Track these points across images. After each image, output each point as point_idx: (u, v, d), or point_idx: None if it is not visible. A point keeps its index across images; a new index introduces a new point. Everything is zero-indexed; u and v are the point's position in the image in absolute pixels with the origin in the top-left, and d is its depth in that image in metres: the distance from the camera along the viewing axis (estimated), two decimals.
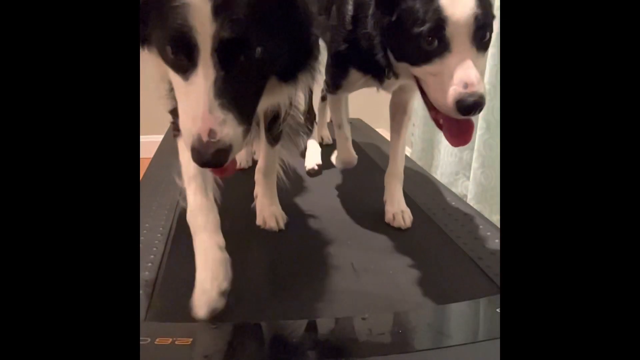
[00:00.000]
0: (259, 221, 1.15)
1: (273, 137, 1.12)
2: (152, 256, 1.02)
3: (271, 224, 1.14)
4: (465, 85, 0.79)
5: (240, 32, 0.63)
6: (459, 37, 0.79)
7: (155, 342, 0.73)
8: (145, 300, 0.86)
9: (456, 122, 0.87)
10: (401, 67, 0.93)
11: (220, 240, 0.85)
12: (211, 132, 0.63)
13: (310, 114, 1.64)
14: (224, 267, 0.83)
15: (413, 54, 0.86)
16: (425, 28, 0.80)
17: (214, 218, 0.87)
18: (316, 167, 1.44)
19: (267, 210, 1.16)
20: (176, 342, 0.73)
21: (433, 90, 0.84)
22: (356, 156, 1.33)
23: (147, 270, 0.96)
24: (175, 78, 0.67)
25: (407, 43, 0.86)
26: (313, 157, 1.47)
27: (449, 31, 0.79)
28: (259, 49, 0.65)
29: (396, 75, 1.01)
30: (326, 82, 1.22)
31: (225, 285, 0.81)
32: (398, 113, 1.24)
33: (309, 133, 1.50)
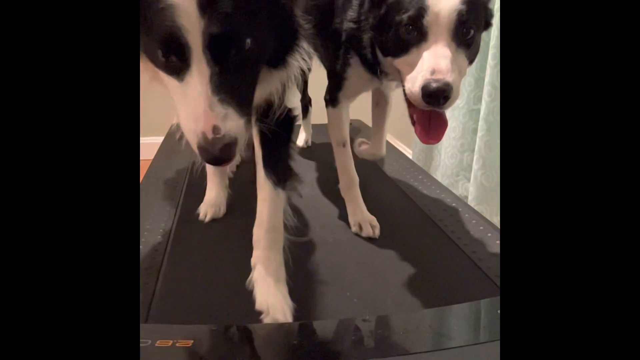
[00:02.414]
0: (259, 305, 0.83)
1: (278, 176, 0.89)
2: (152, 258, 1.02)
3: (278, 315, 0.81)
4: (433, 72, 0.79)
5: (228, 26, 0.63)
6: (437, 28, 0.80)
7: (156, 344, 0.73)
8: (146, 302, 0.86)
9: (428, 117, 0.88)
10: (388, 64, 0.93)
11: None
12: (215, 129, 0.63)
13: (305, 97, 1.81)
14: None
15: (394, 45, 0.87)
16: (405, 15, 0.82)
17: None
18: (305, 146, 1.85)
19: (271, 293, 0.84)
20: (177, 344, 0.73)
21: (407, 81, 0.84)
22: (357, 178, 1.22)
23: (148, 272, 0.96)
24: (170, 81, 0.67)
25: (390, 34, 0.87)
26: (304, 136, 1.87)
27: (428, 21, 0.80)
28: (248, 40, 0.65)
29: (386, 75, 1.01)
30: (327, 91, 1.20)
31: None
32: (382, 100, 1.28)
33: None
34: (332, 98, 1.18)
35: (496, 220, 1.65)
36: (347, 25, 1.05)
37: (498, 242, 1.11)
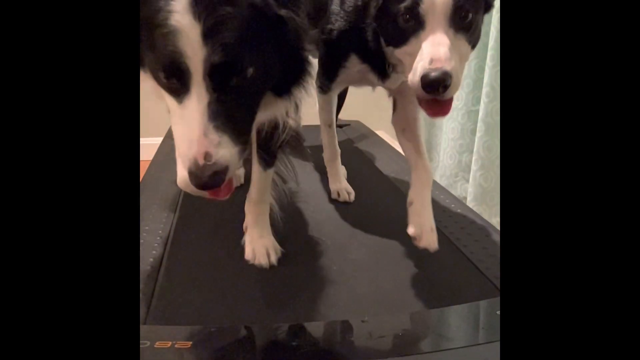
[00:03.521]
0: (247, 255, 1.02)
1: (266, 161, 1.04)
2: (151, 259, 1.02)
3: (261, 259, 1.00)
4: (431, 61, 0.78)
5: (230, 56, 0.63)
6: (434, 15, 0.79)
7: (155, 346, 0.73)
8: (145, 303, 0.86)
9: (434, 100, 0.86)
10: (391, 54, 0.92)
11: None
12: (207, 155, 0.64)
13: None
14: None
15: (394, 35, 0.86)
16: (402, 5, 0.81)
17: None
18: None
19: (258, 243, 1.03)
20: (176, 346, 0.73)
21: (409, 71, 0.83)
22: (339, 151, 1.40)
23: (147, 273, 0.96)
24: (170, 101, 0.67)
25: (390, 24, 0.86)
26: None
27: (424, 9, 0.79)
28: (250, 70, 0.66)
29: (393, 66, 0.99)
30: (318, 78, 1.21)
31: None
32: (408, 122, 1.12)
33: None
34: (323, 86, 1.22)
35: (495, 221, 1.65)
36: (347, 16, 1.04)
37: (497, 243, 1.11)
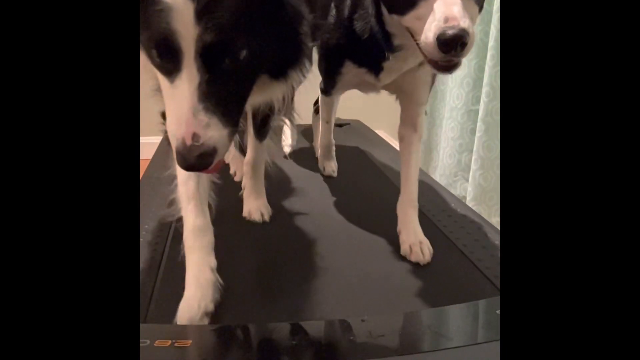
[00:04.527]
0: (245, 213, 1.21)
1: (261, 133, 1.17)
2: (151, 257, 1.02)
3: (255, 217, 1.20)
4: (446, 20, 0.77)
5: (224, 36, 0.62)
6: None
7: (154, 344, 0.73)
8: (144, 302, 0.86)
9: None
10: (396, 23, 0.91)
11: (213, 261, 0.88)
12: (195, 136, 0.63)
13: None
14: (213, 288, 0.85)
15: (401, 1, 0.85)
16: None
17: (209, 240, 0.89)
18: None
19: (253, 203, 1.21)
20: (175, 344, 0.73)
21: (420, 36, 0.82)
22: (333, 141, 1.56)
23: (146, 272, 0.96)
24: (163, 80, 0.66)
25: None
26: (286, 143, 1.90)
27: None
28: (244, 52, 0.65)
29: (390, 37, 0.98)
30: (321, 83, 1.30)
31: (211, 307, 0.83)
32: (407, 132, 1.15)
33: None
34: (326, 90, 1.33)
35: (494, 220, 1.65)
36: (341, 24, 1.05)
37: (496, 242, 1.11)
